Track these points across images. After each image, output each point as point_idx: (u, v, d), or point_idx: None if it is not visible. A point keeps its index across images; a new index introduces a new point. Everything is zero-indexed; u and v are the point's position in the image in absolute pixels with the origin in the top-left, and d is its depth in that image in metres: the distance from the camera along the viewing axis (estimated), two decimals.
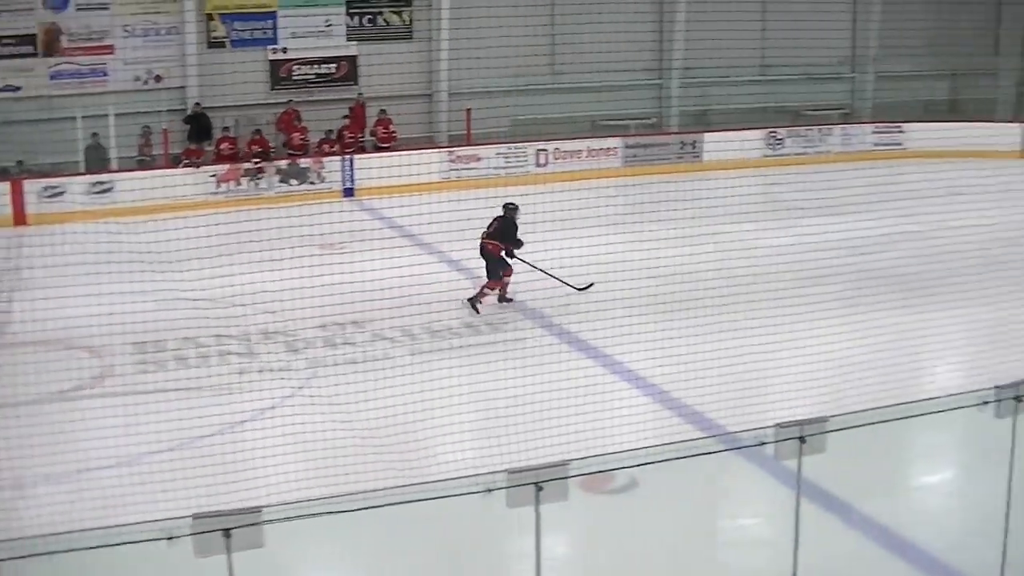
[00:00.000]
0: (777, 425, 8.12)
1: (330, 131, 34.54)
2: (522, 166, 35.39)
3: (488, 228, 22.01)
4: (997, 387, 8.67)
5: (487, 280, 21.89)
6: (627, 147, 37.18)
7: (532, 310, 20.93)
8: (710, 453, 8.29)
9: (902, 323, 19.63)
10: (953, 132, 34.02)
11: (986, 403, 8.64)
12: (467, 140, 36.22)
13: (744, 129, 38.06)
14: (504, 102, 36.45)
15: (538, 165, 35.59)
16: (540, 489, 7.70)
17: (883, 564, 12.63)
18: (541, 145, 35.94)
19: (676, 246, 22.16)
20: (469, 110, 36.15)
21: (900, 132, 40.49)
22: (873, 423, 8.20)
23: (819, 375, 17.06)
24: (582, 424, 14.31)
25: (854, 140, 40.16)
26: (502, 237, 21.84)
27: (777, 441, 8.07)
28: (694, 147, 37.89)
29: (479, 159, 35.21)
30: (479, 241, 21.94)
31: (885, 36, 41.52)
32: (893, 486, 14.67)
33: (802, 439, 8.06)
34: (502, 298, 22.06)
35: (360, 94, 35.47)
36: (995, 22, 44.94)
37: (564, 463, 7.79)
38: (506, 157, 35.38)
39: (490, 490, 7.81)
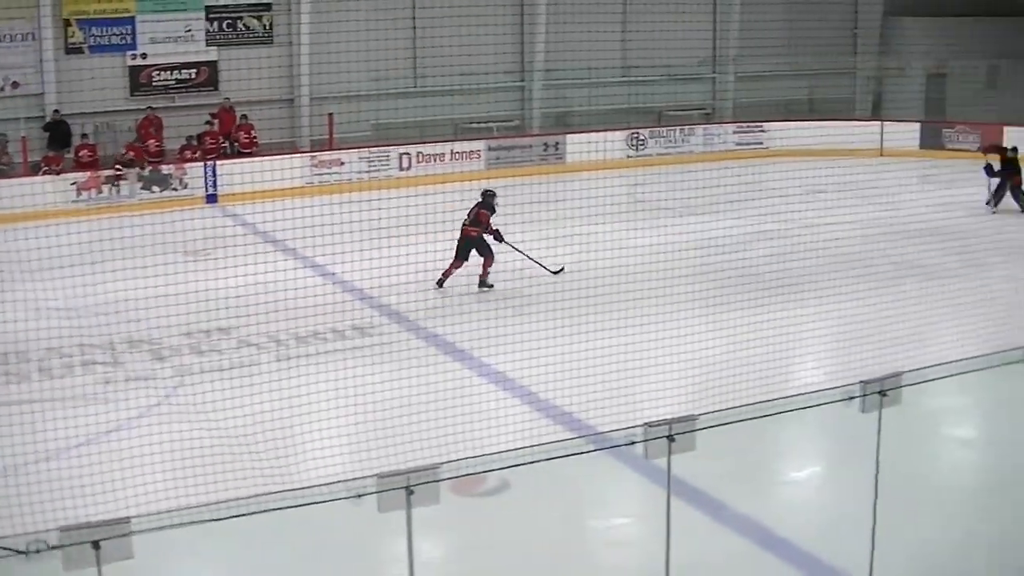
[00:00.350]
0: (646, 424, 8.18)
1: (191, 137, 34.15)
2: (385, 170, 35.31)
3: (468, 216, 23.21)
4: (862, 382, 8.81)
5: (483, 260, 22.89)
6: (490, 149, 37.29)
7: (399, 314, 20.89)
8: (580, 453, 8.33)
9: (767, 320, 19.87)
10: (813, 131, 34.54)
11: (852, 398, 8.77)
12: (329, 145, 36.04)
13: (607, 130, 38.31)
14: (366, 106, 36.41)
15: (401, 169, 35.53)
16: (411, 493, 7.68)
17: (754, 560, 12.80)
18: (404, 149, 35.88)
19: (541, 247, 22.26)
20: (331, 114, 36.00)
21: (761, 132, 41.09)
22: (741, 420, 8.30)
23: (687, 374, 17.25)
24: (452, 427, 14.33)
25: (716, 140, 40.66)
26: (478, 222, 23.10)
27: (646, 440, 8.13)
28: (557, 149, 38.07)
29: (342, 163, 35.06)
30: (460, 230, 22.96)
31: (745, 37, 42.11)
32: (762, 482, 14.89)
33: (671, 438, 8.12)
34: (483, 283, 22.90)
35: (227, 99, 35.14)
36: (852, 22, 45.79)
37: (434, 466, 7.79)
38: (369, 161, 35.27)
39: (360, 495, 7.79)
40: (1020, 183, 31.23)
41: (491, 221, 23.24)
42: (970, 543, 13.08)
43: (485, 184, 25.65)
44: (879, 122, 41.45)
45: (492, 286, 22.72)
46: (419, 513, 7.78)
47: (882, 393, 8.82)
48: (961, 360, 9.92)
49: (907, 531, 12.62)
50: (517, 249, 22.99)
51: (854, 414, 8.75)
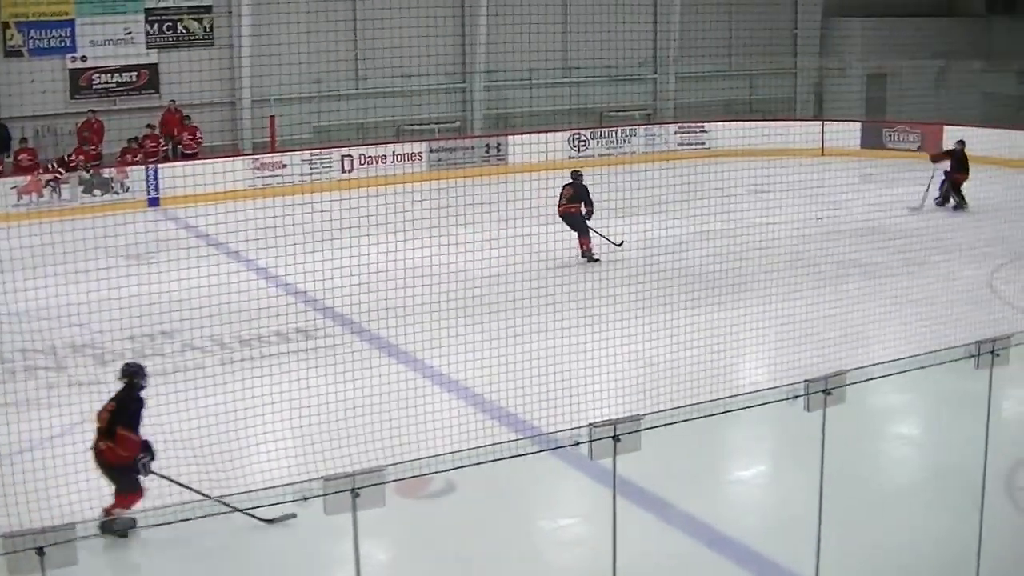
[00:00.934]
0: (591, 425, 8.19)
1: (133, 139, 33.92)
2: (327, 172, 35.19)
3: (563, 198, 25.85)
4: (806, 381, 8.85)
5: (580, 239, 25.48)
6: (432, 151, 37.26)
7: (343, 316, 20.83)
8: (526, 455, 8.33)
9: (711, 320, 19.98)
10: (754, 131, 34.75)
11: (796, 397, 8.81)
12: (271, 147, 35.91)
13: (548, 131, 38.34)
14: (308, 108, 36.33)
15: (343, 171, 35.42)
16: (356, 495, 7.66)
17: (701, 558, 12.86)
18: (346, 151, 35.79)
19: (484, 249, 22.27)
20: (273, 117, 35.87)
21: (703, 132, 41.26)
22: (686, 420, 8.33)
23: (631, 374, 17.30)
24: (397, 429, 14.33)
25: (657, 140, 40.76)
26: (580, 200, 25.75)
27: (592, 441, 8.13)
28: (499, 150, 38.09)
29: (284, 166, 34.94)
30: (559, 211, 25.69)
31: (685, 37, 42.23)
32: (708, 481, 14.96)
33: (616, 438, 8.13)
34: (590, 258, 25.33)
35: (172, 101, 34.90)
36: (792, 23, 46.08)
37: (380, 468, 7.77)
38: (311, 163, 35.16)
39: (306, 498, 7.77)
40: (962, 181, 31.52)
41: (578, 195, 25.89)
42: (914, 539, 13.20)
43: (427, 185, 25.67)
44: (820, 122, 41.70)
45: (598, 260, 25.32)
46: (365, 515, 7.76)
47: (826, 392, 8.86)
48: (904, 358, 10.00)
49: (853, 528, 12.71)
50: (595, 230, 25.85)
51: (798, 413, 8.79)
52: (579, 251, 25.44)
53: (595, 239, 25.58)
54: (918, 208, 30.89)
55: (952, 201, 31.46)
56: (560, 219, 25.78)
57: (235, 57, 36.28)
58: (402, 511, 12.84)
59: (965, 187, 31.35)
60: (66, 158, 32.56)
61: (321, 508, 7.75)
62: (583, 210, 25.70)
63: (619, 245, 25.74)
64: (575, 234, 25.46)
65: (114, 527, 11.76)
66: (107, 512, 12.21)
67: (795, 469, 13.94)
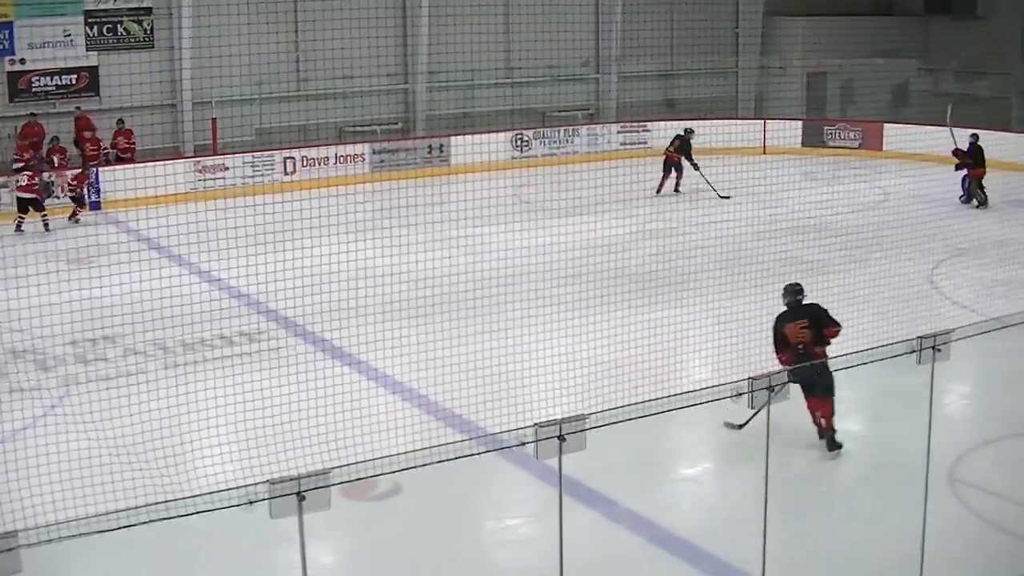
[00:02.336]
0: (536, 425, 8.20)
1: (73, 143, 33.68)
2: (270, 174, 35.04)
3: (671, 145, 33.83)
4: (750, 378, 8.89)
5: (676, 175, 33.44)
6: (375, 152, 37.18)
7: (286, 319, 20.77)
8: (472, 455, 8.33)
9: (655, 319, 20.03)
10: (697, 130, 34.84)
11: (740, 394, 8.85)
12: (213, 150, 35.74)
13: (491, 132, 38.34)
14: (249, 110, 36.17)
15: (286, 173, 35.29)
16: (302, 499, 7.64)
17: (648, 557, 12.90)
18: (288, 153, 35.64)
19: (428, 250, 22.27)
20: (214, 119, 35.71)
21: (645, 131, 41.37)
22: (631, 419, 8.35)
23: (576, 374, 17.32)
24: (342, 432, 14.28)
25: (600, 140, 40.86)
26: (681, 151, 33.41)
27: (537, 440, 8.14)
28: (442, 151, 38.05)
29: (226, 168, 34.75)
30: (664, 155, 33.68)
31: (627, 37, 42.35)
32: (654, 480, 15.01)
33: (561, 438, 8.14)
34: (677, 189, 33.55)
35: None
36: (733, 22, 46.30)
37: (325, 471, 7.75)
38: (253, 166, 35.01)
39: (252, 502, 7.73)
40: (982, 176, 32.12)
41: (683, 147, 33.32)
42: (859, 533, 13.29)
43: (369, 187, 25.61)
44: (761, 121, 41.93)
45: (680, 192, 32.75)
46: (311, 519, 7.74)
47: (770, 389, 8.90)
48: (846, 354, 10.06)
49: (798, 524, 12.79)
50: (699, 169, 32.57)
51: (743, 410, 8.84)
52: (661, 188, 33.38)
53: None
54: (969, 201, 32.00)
55: (976, 200, 31.90)
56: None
57: (176, 59, 36.04)
58: (349, 514, 12.82)
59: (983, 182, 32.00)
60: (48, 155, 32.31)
61: (267, 512, 7.72)
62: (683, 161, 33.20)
63: (725, 198, 31.20)
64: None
65: None
66: None
67: (740, 466, 14.00)
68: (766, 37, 46.52)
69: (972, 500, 14.14)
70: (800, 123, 42.18)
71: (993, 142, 33.99)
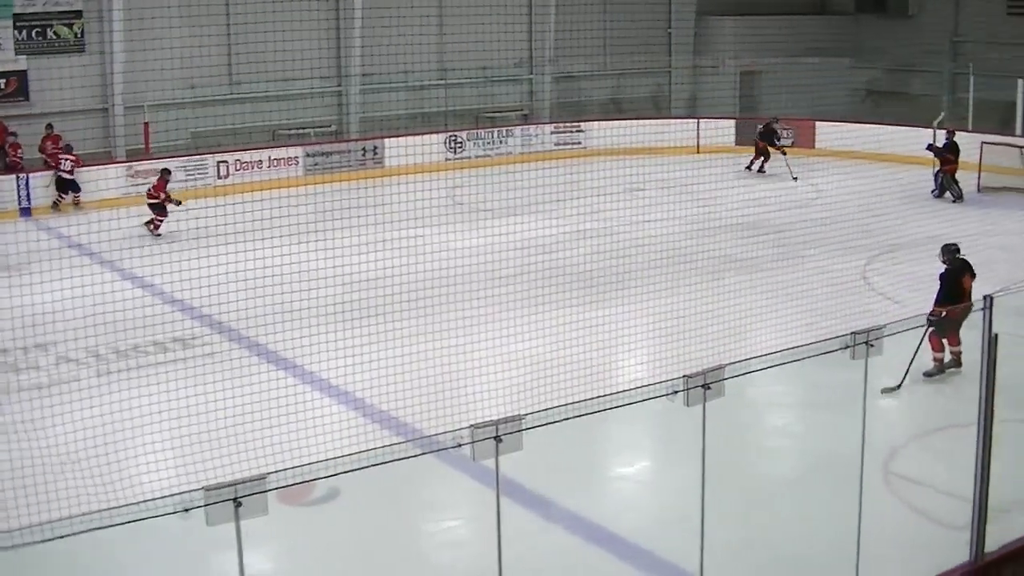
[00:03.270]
0: (472, 426, 8.19)
1: None
2: (203, 179, 34.81)
3: (757, 133, 37.63)
4: (686, 376, 8.92)
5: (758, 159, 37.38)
6: (308, 155, 37.02)
7: (221, 324, 20.64)
8: (409, 457, 8.30)
9: (590, 318, 20.06)
10: (630, 130, 34.98)
11: (676, 392, 8.88)
12: (146, 154, 35.45)
13: (425, 133, 38.28)
14: (182, 114, 35.88)
15: (219, 177, 35.08)
16: (239, 505, 7.59)
17: (586, 556, 12.92)
18: (221, 156, 35.43)
19: (363, 252, 22.18)
20: (147, 123, 35.44)
21: (579, 131, 41.43)
22: (567, 418, 8.35)
23: (512, 374, 17.33)
24: (279, 436, 14.23)
25: (534, 141, 40.88)
26: (765, 137, 37.13)
27: (474, 442, 8.13)
28: (376, 153, 37.96)
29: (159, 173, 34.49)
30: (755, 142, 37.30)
31: (560, 37, 42.41)
32: (592, 479, 15.03)
33: (498, 438, 8.13)
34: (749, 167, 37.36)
35: None
36: (666, 22, 46.47)
37: (262, 476, 7.70)
38: (186, 170, 34.71)
39: (188, 509, 7.67)
40: (955, 170, 32.89)
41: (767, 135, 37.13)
42: (796, 528, 13.37)
43: (303, 190, 25.53)
44: (695, 120, 42.12)
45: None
46: (248, 525, 7.70)
47: (705, 386, 8.93)
48: (781, 351, 10.12)
49: (736, 520, 12.84)
50: (781, 150, 36.56)
51: (679, 408, 8.86)
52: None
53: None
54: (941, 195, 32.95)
55: (951, 194, 32.73)
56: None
57: (107, 63, 35.74)
58: (286, 519, 12.76)
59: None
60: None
61: (203, 519, 7.67)
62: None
63: (795, 179, 34.58)
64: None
65: None
66: None
67: (677, 464, 14.03)
68: (699, 37, 46.79)
69: (906, 493, 14.26)
70: (733, 122, 42.40)
71: (924, 139, 34.39)
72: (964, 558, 9.89)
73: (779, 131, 37.71)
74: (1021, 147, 33.79)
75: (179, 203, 28.67)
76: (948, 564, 9.92)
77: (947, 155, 32.74)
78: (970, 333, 9.79)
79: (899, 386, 16.80)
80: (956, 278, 18.13)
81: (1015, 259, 25.54)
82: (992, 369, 9.65)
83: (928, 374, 17.62)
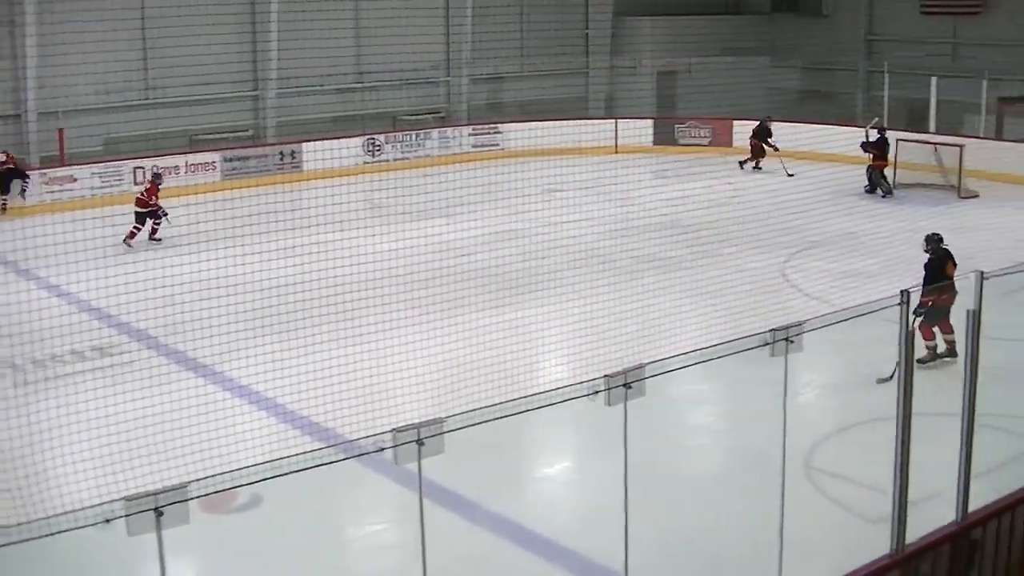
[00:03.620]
0: (394, 430, 8.15)
1: None
2: (119, 185, 34.45)
3: (752, 133, 37.57)
4: (606, 376, 8.93)
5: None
6: (226, 160, 36.77)
7: (140, 331, 20.48)
8: (331, 463, 8.26)
9: (511, 320, 20.08)
10: (548, 131, 35.05)
11: (597, 392, 8.88)
12: (60, 161, 35.07)
13: (343, 137, 38.13)
14: (97, 120, 35.49)
15: (135, 183, 34.69)
16: (160, 514, 7.51)
17: (511, 557, 12.92)
18: (138, 162, 35.07)
19: (282, 257, 22.11)
20: (61, 130, 35.05)
21: (497, 133, 41.44)
22: (489, 420, 8.34)
23: (433, 377, 17.31)
24: (200, 444, 14.12)
25: (452, 143, 40.86)
26: (758, 135, 37.41)
27: (396, 445, 8.10)
28: (293, 157, 37.77)
29: (74, 180, 34.10)
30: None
31: (478, 39, 42.40)
32: (515, 480, 15.04)
33: (420, 442, 8.10)
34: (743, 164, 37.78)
35: None
36: (583, 23, 46.59)
37: (183, 485, 7.63)
38: (102, 176, 34.38)
39: (108, 520, 7.59)
40: (884, 166, 33.84)
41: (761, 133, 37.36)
42: (719, 525, 13.46)
43: (221, 196, 25.37)
44: (613, 120, 42.28)
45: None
46: (170, 534, 7.63)
47: (626, 386, 8.93)
48: (701, 349, 10.16)
49: (660, 519, 12.89)
50: (777, 153, 36.36)
51: (600, 408, 8.86)
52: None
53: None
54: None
55: (880, 190, 33.55)
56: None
57: (19, 68, 35.30)
58: (208, 528, 12.66)
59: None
60: None
61: (124, 530, 7.59)
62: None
63: (791, 175, 34.94)
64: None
65: None
66: None
67: (600, 464, 14.06)
68: (616, 37, 46.96)
69: (828, 487, 14.40)
70: (651, 122, 42.61)
71: (839, 135, 34.79)
72: (885, 550, 9.97)
73: (771, 129, 37.49)
74: (935, 144, 34.21)
75: (166, 213, 28.34)
76: (870, 556, 9.99)
77: (878, 151, 33.34)
78: (890, 327, 9.90)
79: (892, 377, 16.93)
80: (940, 267, 18.65)
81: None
82: (910, 363, 9.75)
83: (920, 361, 17.68)
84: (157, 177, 29.63)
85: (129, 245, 27.61)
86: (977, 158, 33.86)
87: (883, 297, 10.21)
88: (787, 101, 44.45)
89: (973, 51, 42.49)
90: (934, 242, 19.17)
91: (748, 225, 26.55)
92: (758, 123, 37.99)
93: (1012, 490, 10.89)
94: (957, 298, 17.01)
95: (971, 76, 38.68)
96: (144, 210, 28.52)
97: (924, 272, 18.75)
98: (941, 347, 18.54)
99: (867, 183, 33.70)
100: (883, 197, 33.14)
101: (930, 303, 17.27)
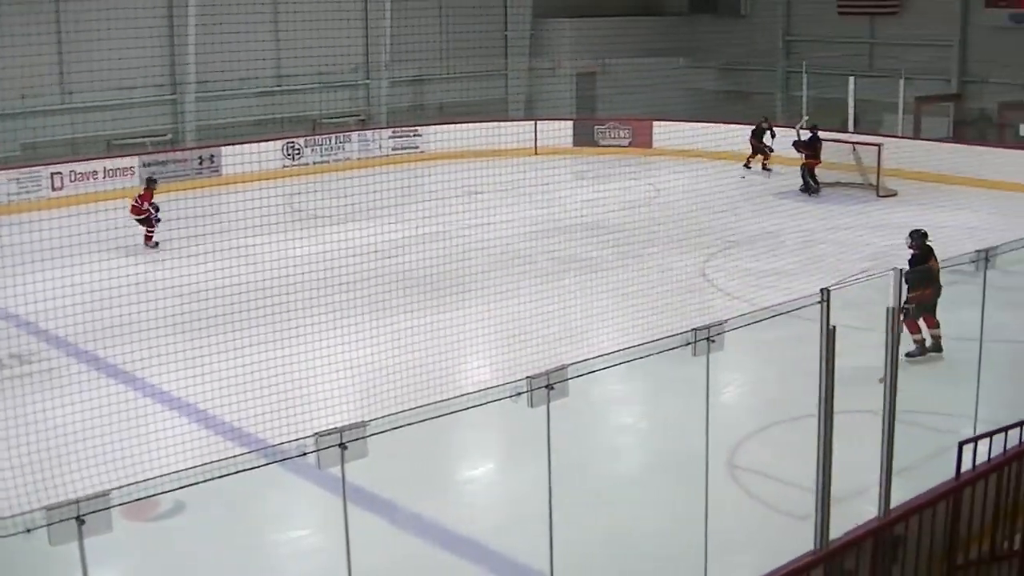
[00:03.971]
0: (316, 434, 8.13)
1: None
2: (36, 191, 34.09)
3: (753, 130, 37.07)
4: (529, 377, 8.94)
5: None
6: (145, 165, 36.42)
7: (59, 338, 20.28)
8: (254, 468, 8.22)
9: (433, 322, 20.06)
10: (468, 133, 35.05)
11: (520, 394, 8.89)
12: None
13: (262, 140, 37.94)
14: (13, 125, 35.13)
15: (53, 189, 34.39)
16: (82, 523, 7.45)
17: (436, 560, 12.92)
18: (55, 168, 34.71)
19: (201, 263, 21.96)
20: None
21: (417, 135, 41.39)
22: (412, 423, 8.33)
23: (355, 380, 17.27)
24: (121, 451, 14.02)
25: (372, 146, 40.74)
26: (755, 136, 36.91)
27: (319, 450, 8.08)
28: (213, 161, 37.51)
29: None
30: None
31: (397, 41, 42.32)
32: (439, 483, 15.03)
33: (343, 445, 8.08)
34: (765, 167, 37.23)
35: None
36: (502, 25, 46.62)
37: (105, 493, 7.57)
38: (19, 182, 33.97)
39: (29, 530, 7.52)
40: (815, 165, 34.31)
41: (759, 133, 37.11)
42: (644, 524, 13.53)
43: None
44: (532, 122, 42.33)
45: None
46: (92, 543, 7.57)
47: (549, 387, 8.96)
48: (623, 349, 10.19)
49: (584, 519, 12.92)
50: (767, 148, 37.00)
51: (523, 409, 8.88)
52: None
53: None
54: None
55: (809, 187, 34.03)
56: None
57: None
58: (131, 535, 12.58)
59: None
60: None
61: (46, 539, 7.52)
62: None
63: (743, 177, 35.53)
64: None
65: None
66: None
67: (524, 465, 14.09)
68: (535, 39, 47.01)
69: (751, 485, 14.50)
70: (571, 123, 42.71)
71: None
72: (809, 546, 10.05)
73: (773, 131, 37.28)
74: (854, 143, 34.56)
75: (159, 219, 28.02)
76: (794, 553, 10.07)
77: (809, 151, 33.76)
78: (810, 325, 9.99)
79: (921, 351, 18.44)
80: (924, 262, 18.95)
81: (846, 253, 26.09)
82: (831, 361, 9.82)
83: (910, 355, 18.21)
84: (152, 182, 29.30)
85: (154, 245, 27.73)
86: (895, 157, 34.28)
87: (803, 296, 10.30)
88: (706, 102, 44.73)
89: (890, 51, 42.97)
90: (918, 238, 19.40)
91: (669, 225, 26.69)
92: (756, 124, 37.79)
93: (933, 485, 11.01)
94: (877, 295, 17.22)
95: (888, 76, 39.16)
96: (140, 217, 28.27)
97: (908, 267, 18.74)
98: (929, 341, 18.89)
99: (802, 182, 33.98)
100: (810, 195, 33.49)
101: (916, 299, 17.88)
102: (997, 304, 14.30)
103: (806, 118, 35.91)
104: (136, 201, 28.57)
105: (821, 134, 34.59)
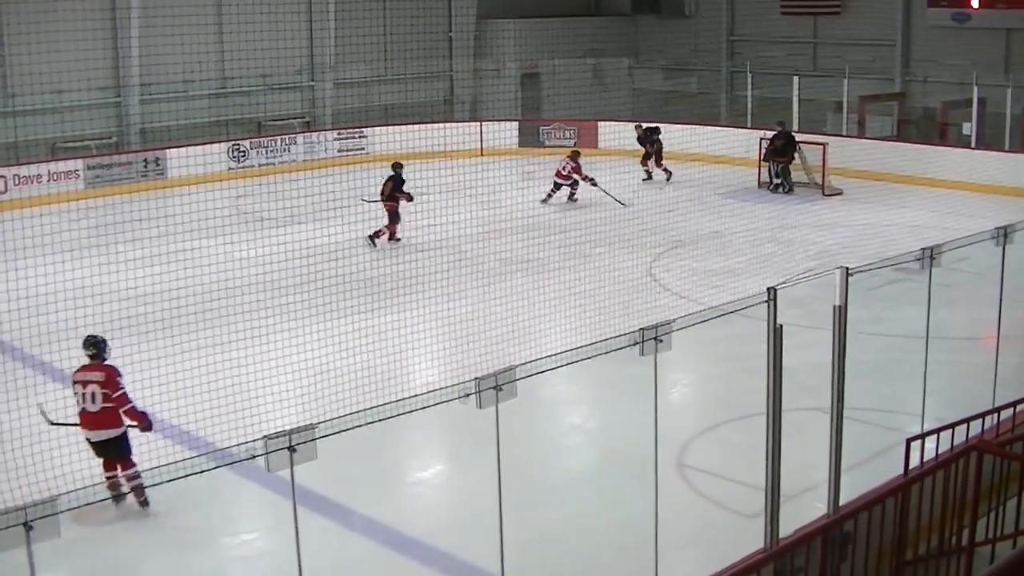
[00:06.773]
0: (265, 437, 8.11)
1: None
2: None
3: (383, 189, 27.97)
4: (477, 378, 8.95)
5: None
6: (89, 168, 36.21)
7: (3, 343, 20.12)
8: (203, 471, 8.19)
9: (380, 324, 20.03)
10: (413, 134, 35.04)
11: (468, 395, 8.90)
12: None
13: (207, 143, 37.79)
14: None
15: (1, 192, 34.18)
16: (30, 528, 7.41)
17: (387, 561, 12.91)
18: None
19: (147, 265, 21.86)
20: None
21: (363, 137, 41.32)
22: (360, 425, 8.32)
23: (303, 383, 17.23)
24: (68, 456, 13.92)
25: (318, 148, 40.64)
26: (392, 193, 27.84)
27: (268, 453, 8.06)
28: (158, 164, 37.30)
29: None
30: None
31: (341, 43, 42.22)
32: (389, 485, 15.02)
33: (292, 448, 8.07)
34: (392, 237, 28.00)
35: None
36: (447, 26, 46.62)
37: (52, 498, 7.53)
38: None
39: None
40: (787, 164, 34.60)
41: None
42: (595, 524, 13.56)
43: (84, 204, 24.98)
44: (477, 123, 42.34)
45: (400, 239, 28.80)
46: (41, 548, 7.52)
47: (497, 388, 8.97)
48: (571, 349, 10.21)
49: (535, 519, 12.96)
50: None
51: (472, 410, 8.89)
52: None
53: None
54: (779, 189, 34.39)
55: (784, 185, 34.47)
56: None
57: None
58: (80, 541, 12.53)
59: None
60: None
61: None
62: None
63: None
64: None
65: None
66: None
67: (474, 466, 14.10)
68: (479, 40, 47.05)
69: (700, 484, 14.55)
70: (516, 124, 42.76)
71: (703, 135, 35.24)
72: (759, 544, 10.11)
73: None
74: (798, 142, 34.79)
75: None
76: (744, 551, 10.13)
77: (780, 150, 34.14)
78: (757, 324, 10.04)
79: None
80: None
81: (792, 252, 26.24)
82: (778, 359, 9.87)
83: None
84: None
85: None
86: (840, 156, 34.51)
87: (750, 295, 10.35)
88: (651, 102, 44.88)
89: (833, 50, 43.29)
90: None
91: (616, 225, 26.75)
92: (389, 178, 32.35)
93: (882, 482, 11.10)
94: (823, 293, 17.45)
95: (832, 75, 39.44)
96: None
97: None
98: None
99: (781, 182, 34.19)
100: (783, 192, 34.19)
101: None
102: (941, 301, 14.44)
103: (780, 120, 36.06)
104: None
105: (758, 133, 34.89)
